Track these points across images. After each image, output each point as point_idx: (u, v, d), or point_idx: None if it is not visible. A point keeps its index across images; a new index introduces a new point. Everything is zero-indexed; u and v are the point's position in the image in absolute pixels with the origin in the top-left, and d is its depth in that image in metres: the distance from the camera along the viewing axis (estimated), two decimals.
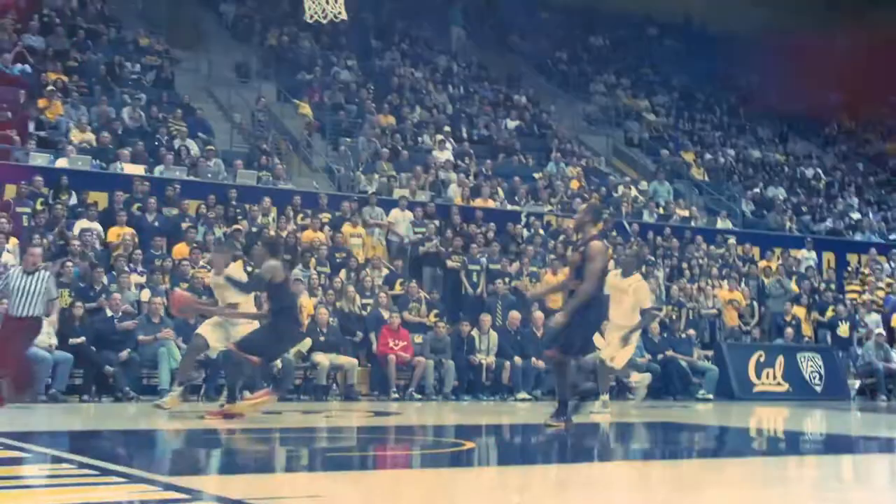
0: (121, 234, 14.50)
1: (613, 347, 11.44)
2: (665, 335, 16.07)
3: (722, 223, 21.39)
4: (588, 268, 8.67)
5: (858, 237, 22.99)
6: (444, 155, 20.36)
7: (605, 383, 12.02)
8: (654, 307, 12.86)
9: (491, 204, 18.92)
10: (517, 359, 14.61)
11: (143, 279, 13.78)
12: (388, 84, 23.24)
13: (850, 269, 21.02)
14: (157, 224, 15.05)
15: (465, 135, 22.14)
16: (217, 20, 24.42)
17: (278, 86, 22.11)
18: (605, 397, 11.87)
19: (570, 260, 9.61)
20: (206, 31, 23.89)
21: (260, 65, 22.73)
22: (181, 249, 14.62)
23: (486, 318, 14.88)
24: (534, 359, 14.57)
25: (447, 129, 21.63)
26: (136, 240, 14.50)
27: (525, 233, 18.16)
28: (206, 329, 10.16)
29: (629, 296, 11.44)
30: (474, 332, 14.80)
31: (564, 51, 28.97)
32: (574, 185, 20.92)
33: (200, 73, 22.26)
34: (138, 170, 16.33)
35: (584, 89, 27.41)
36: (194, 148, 17.86)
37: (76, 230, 14.27)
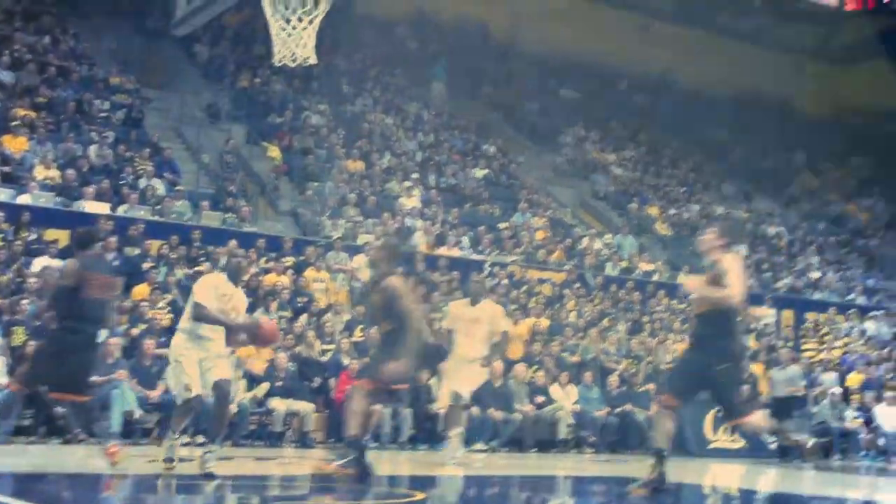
0: None
1: (463, 381, 11.25)
2: (624, 389, 16.15)
3: (684, 278, 21.55)
4: (399, 307, 8.40)
5: (818, 296, 23.26)
6: (412, 202, 20.44)
7: (457, 421, 11.68)
8: (504, 339, 11.88)
9: (455, 252, 18.99)
10: (474, 409, 14.55)
11: None
12: (359, 130, 23.33)
13: (806, 327, 21.24)
14: (117, 263, 14.90)
15: (432, 182, 22.25)
16: (190, 60, 24.42)
17: (248, 128, 22.12)
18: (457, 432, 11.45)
19: (371, 302, 9.02)
20: (178, 71, 23.89)
21: (231, 106, 22.73)
22: (141, 290, 14.50)
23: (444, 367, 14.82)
24: (491, 409, 14.57)
25: (415, 176, 21.74)
26: None
27: (488, 282, 18.20)
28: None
29: (482, 324, 11.12)
30: (433, 381, 14.76)
31: (535, 102, 29.26)
32: (539, 235, 21.07)
33: (171, 112, 22.21)
34: (102, 208, 16.24)
35: (553, 141, 27.65)
36: (160, 188, 17.80)
37: (35, 267, 14.16)
